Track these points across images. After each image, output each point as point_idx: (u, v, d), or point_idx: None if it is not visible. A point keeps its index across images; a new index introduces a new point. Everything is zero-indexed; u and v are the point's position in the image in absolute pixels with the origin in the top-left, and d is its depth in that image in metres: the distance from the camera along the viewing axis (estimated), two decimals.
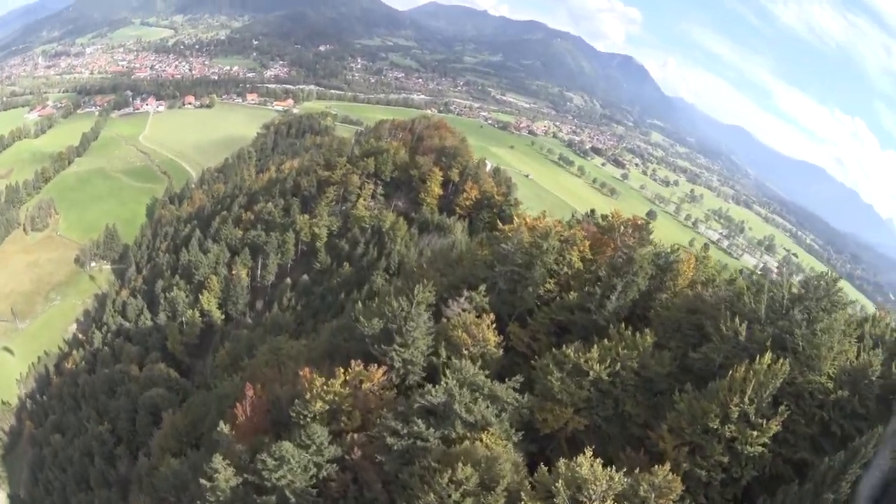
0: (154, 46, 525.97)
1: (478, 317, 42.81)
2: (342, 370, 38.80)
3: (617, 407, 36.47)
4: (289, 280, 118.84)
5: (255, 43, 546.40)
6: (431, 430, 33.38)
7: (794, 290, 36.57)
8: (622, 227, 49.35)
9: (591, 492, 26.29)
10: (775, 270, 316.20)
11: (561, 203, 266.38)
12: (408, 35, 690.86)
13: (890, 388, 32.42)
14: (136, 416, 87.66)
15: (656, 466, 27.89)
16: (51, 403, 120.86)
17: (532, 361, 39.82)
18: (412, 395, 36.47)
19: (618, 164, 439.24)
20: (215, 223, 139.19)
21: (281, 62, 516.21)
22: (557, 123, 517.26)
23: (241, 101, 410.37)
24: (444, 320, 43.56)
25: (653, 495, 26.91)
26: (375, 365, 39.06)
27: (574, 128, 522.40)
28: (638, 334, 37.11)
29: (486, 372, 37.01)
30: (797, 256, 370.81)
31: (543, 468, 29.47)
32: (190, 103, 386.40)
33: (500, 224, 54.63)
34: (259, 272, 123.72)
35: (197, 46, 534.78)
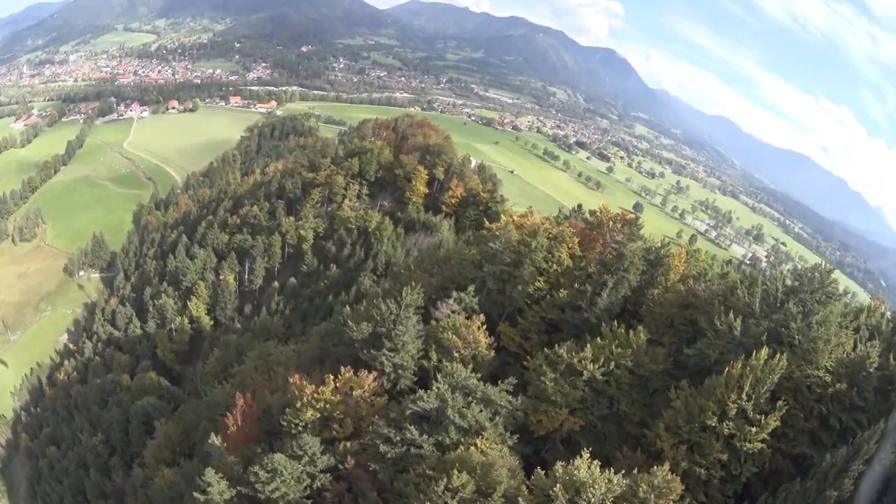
0: (137, 52, 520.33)
1: (468, 318, 42.20)
2: (332, 377, 38.12)
3: (612, 406, 36.06)
4: (276, 283, 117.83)
5: (238, 45, 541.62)
6: (425, 436, 32.88)
7: (788, 283, 36.31)
8: (611, 223, 49.01)
9: (589, 495, 25.79)
10: (764, 260, 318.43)
11: (547, 198, 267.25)
12: (390, 34, 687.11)
13: (888, 380, 32.10)
14: (129, 427, 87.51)
15: (655, 466, 27.46)
16: (45, 415, 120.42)
17: (524, 361, 39.34)
18: (404, 400, 35.84)
19: (603, 157, 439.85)
20: (201, 228, 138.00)
21: (263, 64, 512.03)
22: (541, 118, 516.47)
23: (224, 104, 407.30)
24: (434, 322, 42.95)
25: (652, 496, 26.49)
26: (366, 371, 38.38)
27: (558, 122, 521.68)
28: (631, 331, 36.76)
29: (478, 374, 36.39)
30: (786, 245, 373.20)
31: (540, 472, 28.93)
32: (174, 108, 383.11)
33: (488, 222, 54.10)
34: (246, 276, 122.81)
35: (180, 50, 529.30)
